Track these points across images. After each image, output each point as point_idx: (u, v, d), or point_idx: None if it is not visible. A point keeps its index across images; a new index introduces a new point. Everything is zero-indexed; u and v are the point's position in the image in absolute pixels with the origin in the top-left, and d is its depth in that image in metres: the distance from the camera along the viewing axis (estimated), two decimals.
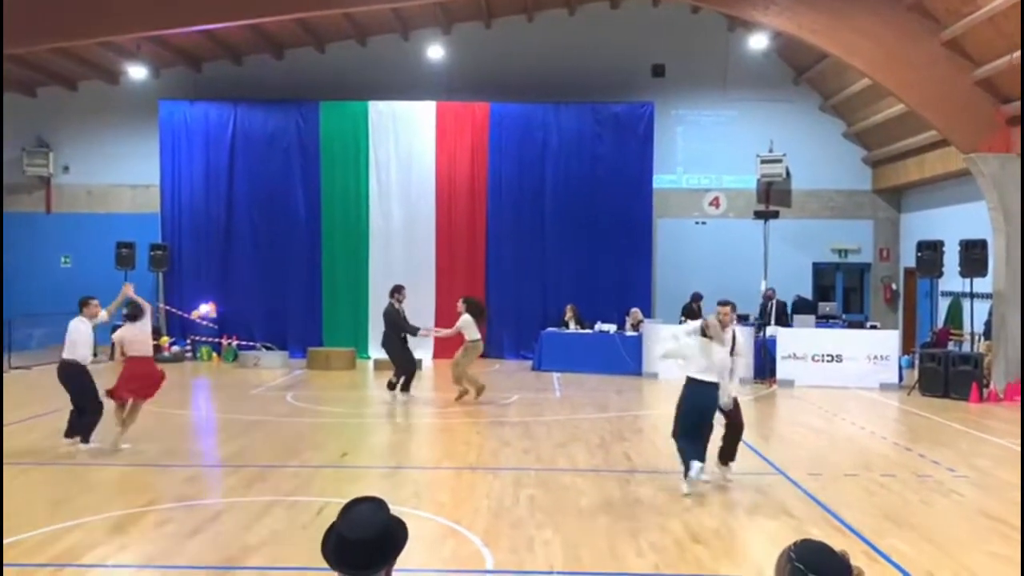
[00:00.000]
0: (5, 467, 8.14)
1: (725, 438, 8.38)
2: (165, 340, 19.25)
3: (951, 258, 15.31)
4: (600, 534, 6.72)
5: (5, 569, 5.67)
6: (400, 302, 13.69)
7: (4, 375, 14.62)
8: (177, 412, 12.57)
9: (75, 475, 8.60)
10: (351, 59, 20.70)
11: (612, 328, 17.76)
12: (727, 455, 8.42)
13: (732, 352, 8.14)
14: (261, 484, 8.24)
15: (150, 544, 6.48)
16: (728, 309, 8.27)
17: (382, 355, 18.60)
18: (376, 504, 2.30)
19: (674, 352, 8.52)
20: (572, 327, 18.22)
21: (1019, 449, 10.31)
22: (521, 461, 9.41)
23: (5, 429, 9.77)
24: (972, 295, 15.10)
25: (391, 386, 13.44)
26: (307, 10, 16.56)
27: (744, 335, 8.39)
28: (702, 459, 7.82)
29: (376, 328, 19.72)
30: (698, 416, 7.87)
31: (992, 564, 6.18)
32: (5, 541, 6.18)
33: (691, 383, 7.94)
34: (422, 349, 18.36)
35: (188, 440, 10.94)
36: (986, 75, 14.36)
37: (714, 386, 7.87)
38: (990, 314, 15.45)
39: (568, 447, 10.15)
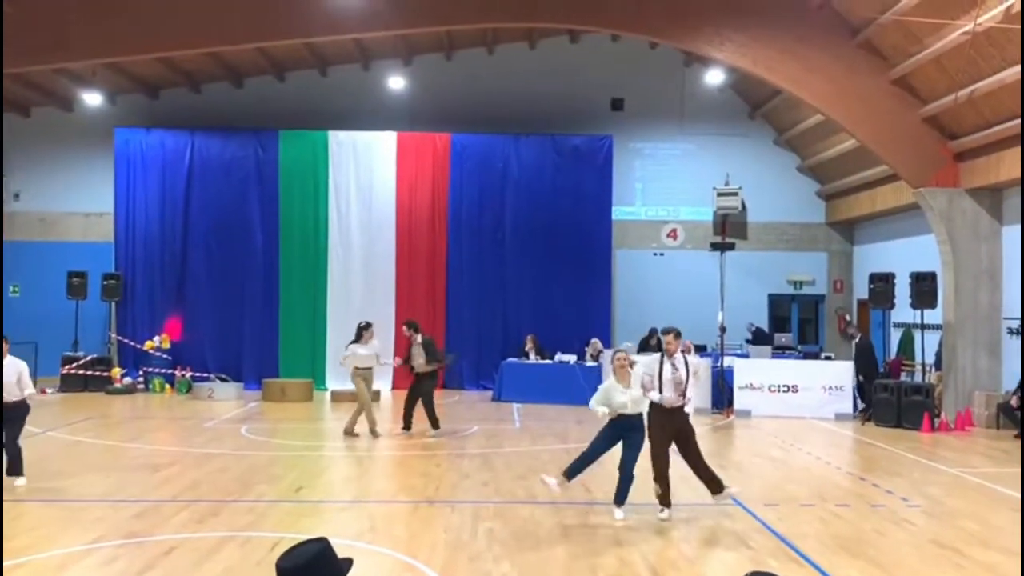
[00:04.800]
0: None
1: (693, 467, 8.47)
2: (117, 372, 18.84)
3: (902, 290, 15.63)
4: (558, 567, 6.68)
5: None
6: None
7: None
8: (128, 445, 12.27)
9: (18, 512, 8.33)
10: (311, 88, 20.68)
11: (572, 359, 17.79)
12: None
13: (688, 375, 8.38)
14: (214, 520, 8.06)
15: None
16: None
17: (340, 387, 18.48)
18: (314, 540, 2.31)
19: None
20: (532, 357, 18.22)
21: (970, 478, 10.50)
22: (480, 494, 9.34)
23: None
24: (923, 326, 15.41)
25: (434, 424, 13.15)
26: (267, 39, 16.53)
27: (698, 363, 8.64)
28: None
29: (333, 361, 19.57)
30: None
31: None
32: None
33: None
34: (381, 380, 18.20)
35: (138, 474, 10.66)
36: (932, 112, 14.81)
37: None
38: (940, 345, 15.77)
39: (528, 479, 10.10)
